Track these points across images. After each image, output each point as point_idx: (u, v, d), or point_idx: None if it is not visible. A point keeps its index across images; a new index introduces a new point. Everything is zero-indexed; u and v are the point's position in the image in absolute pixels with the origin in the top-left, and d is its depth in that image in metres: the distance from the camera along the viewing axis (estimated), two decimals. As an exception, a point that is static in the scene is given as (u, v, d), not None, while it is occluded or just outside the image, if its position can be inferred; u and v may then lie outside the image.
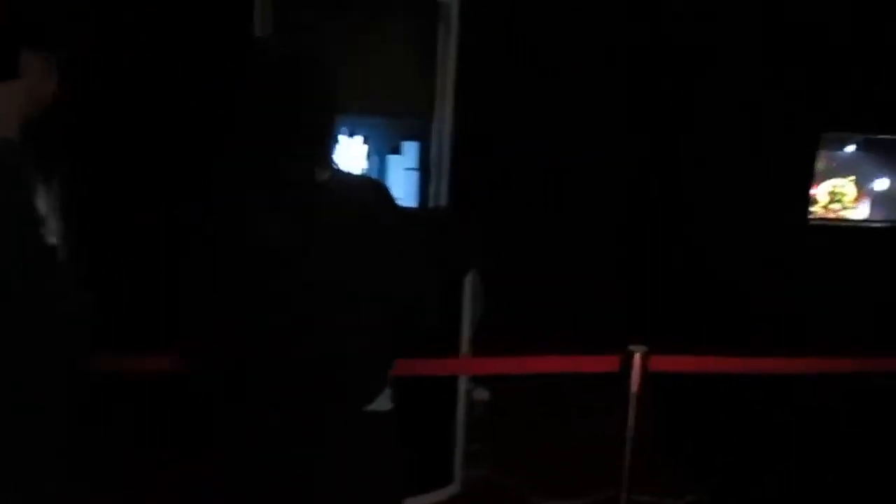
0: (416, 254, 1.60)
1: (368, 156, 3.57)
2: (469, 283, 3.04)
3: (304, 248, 1.47)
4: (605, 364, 2.35)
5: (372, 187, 1.62)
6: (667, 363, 2.37)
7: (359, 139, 3.54)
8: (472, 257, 2.10)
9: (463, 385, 3.13)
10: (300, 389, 1.52)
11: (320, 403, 1.54)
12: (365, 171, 3.53)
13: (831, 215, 3.82)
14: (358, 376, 1.57)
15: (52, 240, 1.57)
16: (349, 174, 1.63)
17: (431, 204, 3.49)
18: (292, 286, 1.48)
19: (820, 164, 3.69)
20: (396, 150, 3.60)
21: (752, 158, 3.61)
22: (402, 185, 3.53)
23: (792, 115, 3.59)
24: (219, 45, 2.52)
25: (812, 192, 3.65)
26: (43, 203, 1.56)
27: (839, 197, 3.80)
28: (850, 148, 3.86)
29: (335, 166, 1.57)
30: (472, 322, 3.10)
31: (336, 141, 1.63)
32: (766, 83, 3.65)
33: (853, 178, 3.83)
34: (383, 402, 1.64)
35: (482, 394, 3.60)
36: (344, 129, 3.52)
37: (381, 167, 3.60)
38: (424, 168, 3.52)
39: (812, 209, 3.72)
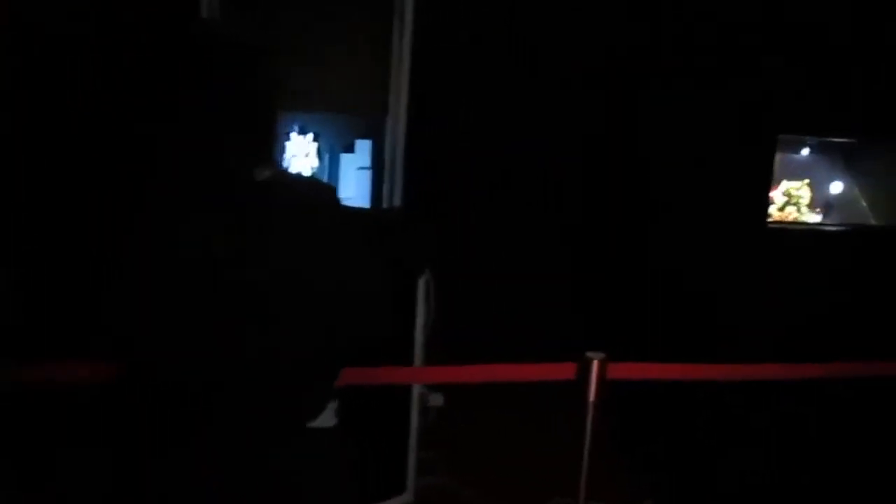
0: (361, 258, 1.50)
1: (320, 154, 3.47)
2: (422, 287, 2.96)
3: (240, 251, 1.36)
4: (561, 372, 2.28)
5: (315, 188, 1.53)
6: (625, 371, 2.30)
7: (310, 136, 3.43)
8: (424, 259, 2.00)
9: (416, 392, 3.05)
10: (235, 406, 1.40)
11: (258, 421, 1.42)
12: (315, 170, 3.42)
13: (788, 218, 3.81)
14: (298, 392, 1.46)
15: None
16: (292, 173, 1.54)
17: (385, 204, 3.40)
18: (226, 293, 1.36)
19: (776, 167, 3.67)
20: (350, 149, 3.50)
21: (709, 161, 3.58)
22: (355, 184, 3.43)
23: (749, 117, 3.56)
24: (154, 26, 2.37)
25: (770, 195, 3.64)
26: None
27: (795, 200, 3.80)
28: (805, 151, 3.86)
29: (277, 165, 1.48)
30: (425, 327, 3.02)
31: (279, 137, 1.53)
32: (721, 85, 3.62)
33: (808, 181, 3.84)
34: (327, 418, 1.53)
35: (436, 399, 3.51)
36: (294, 125, 3.41)
37: (334, 166, 3.50)
38: (378, 167, 3.42)
39: (770, 212, 3.70)
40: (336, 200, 1.50)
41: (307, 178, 1.62)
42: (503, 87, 4.30)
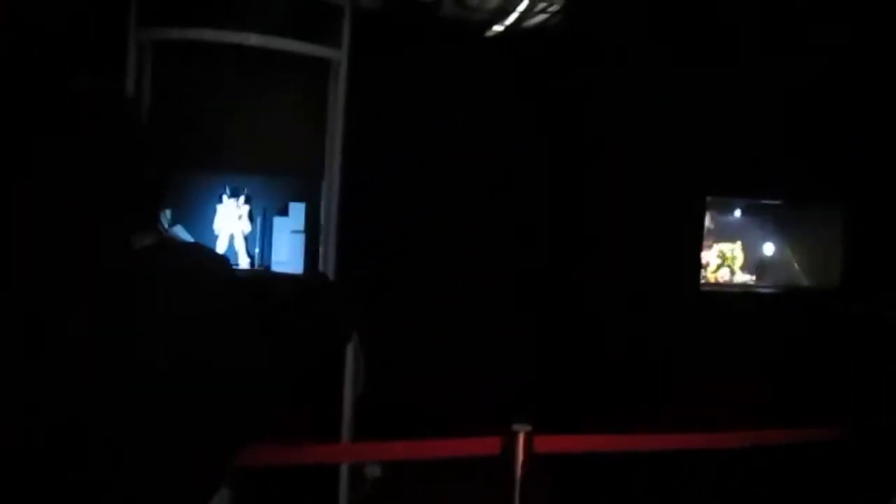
0: (244, 334, 1.38)
1: (252, 217, 3.41)
2: (350, 354, 2.88)
3: (102, 332, 1.24)
4: (486, 446, 2.22)
5: (198, 256, 1.40)
6: (553, 443, 2.25)
7: (241, 199, 3.38)
8: (348, 326, 1.89)
9: (344, 472, 2.91)
10: None
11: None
12: (248, 233, 3.36)
13: (722, 280, 3.85)
14: (171, 488, 1.34)
15: None
16: (178, 241, 1.44)
17: (321, 267, 3.34)
18: (85, 379, 1.23)
19: (708, 228, 3.73)
20: (283, 212, 3.45)
21: (641, 222, 3.61)
22: (289, 247, 3.38)
23: (679, 177, 3.62)
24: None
25: (702, 256, 3.68)
26: None
27: (728, 262, 3.85)
28: (737, 213, 3.93)
29: (161, 232, 1.35)
30: (354, 396, 2.93)
31: (162, 200, 1.42)
32: (653, 144, 3.67)
33: (740, 242, 3.89)
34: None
35: (374, 470, 3.41)
36: (226, 188, 3.35)
37: (267, 229, 3.44)
38: (312, 230, 3.37)
39: (703, 274, 3.74)
40: (222, 269, 1.39)
41: (194, 245, 1.48)
42: (438, 148, 4.31)
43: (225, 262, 1.43)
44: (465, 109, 4.33)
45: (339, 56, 3.19)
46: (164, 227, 1.39)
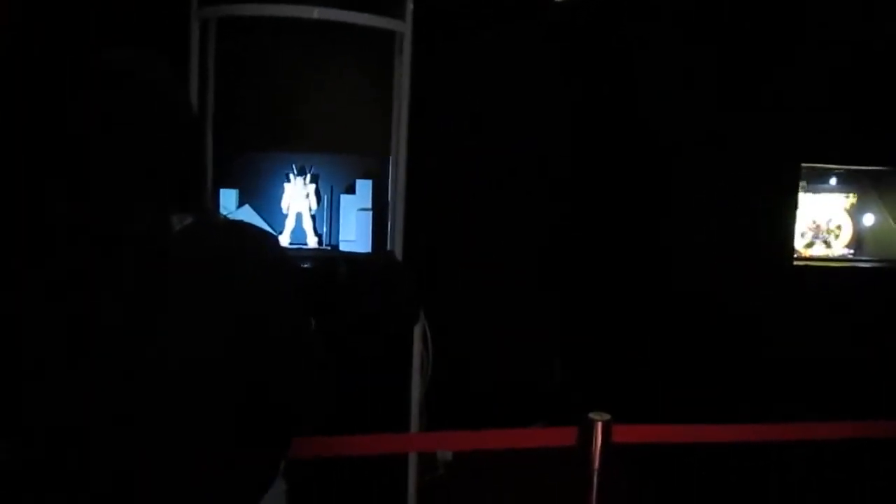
0: (286, 316, 1.30)
1: (319, 195, 3.36)
2: (417, 336, 2.79)
3: (142, 321, 1.17)
4: (561, 437, 2.10)
5: (240, 234, 1.31)
6: (632, 433, 2.11)
7: (308, 178, 3.33)
8: (412, 306, 1.80)
9: (413, 458, 2.82)
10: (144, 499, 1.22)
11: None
12: (315, 211, 3.31)
13: (816, 254, 3.59)
14: (216, 482, 1.27)
15: None
16: (221, 219, 1.36)
17: (389, 245, 3.27)
18: (121, 373, 1.17)
19: (802, 199, 3.46)
20: (350, 190, 3.38)
21: (728, 195, 3.38)
22: (356, 225, 3.31)
23: (768, 145, 3.36)
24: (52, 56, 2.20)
25: (796, 229, 3.42)
26: None
27: (825, 233, 3.59)
28: (833, 181, 3.66)
29: (200, 212, 1.27)
30: (423, 382, 2.85)
31: (204, 177, 1.34)
32: (738, 113, 3.43)
33: (837, 213, 3.62)
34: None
35: (445, 454, 3.33)
36: (292, 166, 3.31)
37: (334, 207, 3.38)
38: (378, 208, 3.30)
39: (797, 248, 3.48)
40: (265, 250, 1.30)
41: (237, 224, 1.39)
42: (507, 125, 4.16)
43: (270, 241, 1.35)
44: (530, 81, 4.17)
45: (402, 28, 3.08)
46: (208, 206, 1.32)
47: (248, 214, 3.27)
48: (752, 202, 3.34)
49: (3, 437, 1.19)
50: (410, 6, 3.11)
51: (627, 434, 2.10)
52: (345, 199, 3.37)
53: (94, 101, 1.19)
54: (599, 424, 2.11)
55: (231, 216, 3.24)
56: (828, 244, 3.66)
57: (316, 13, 2.99)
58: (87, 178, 1.19)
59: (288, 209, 3.33)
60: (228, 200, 3.26)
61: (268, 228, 3.28)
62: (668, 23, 3.76)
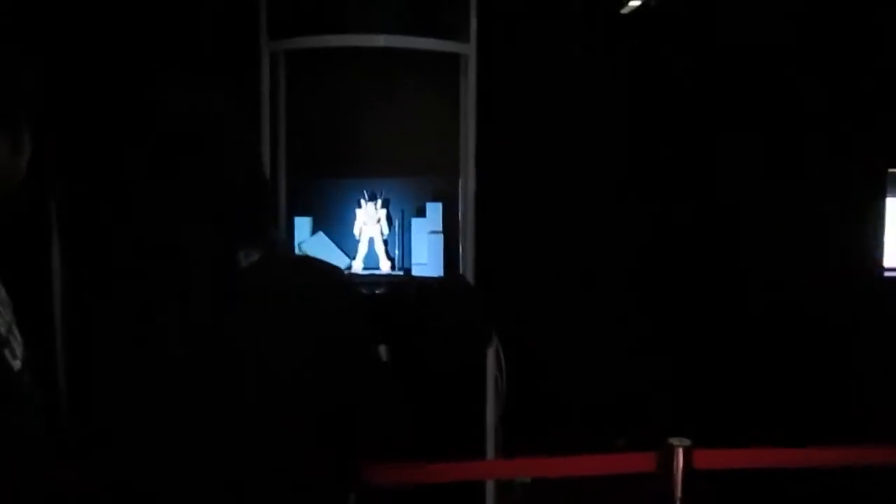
0: (357, 353, 1.31)
1: (390, 219, 3.39)
2: (491, 359, 2.78)
3: (213, 358, 1.19)
4: (641, 462, 2.04)
5: (309, 271, 1.32)
6: (714, 459, 2.04)
7: (379, 202, 3.36)
8: (483, 333, 1.78)
9: (490, 488, 2.79)
10: None
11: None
12: (386, 236, 3.34)
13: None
14: None
15: (17, 364, 1.32)
16: (288, 254, 1.37)
17: (460, 268, 3.27)
18: (192, 403, 1.20)
19: (890, 206, 3.30)
20: (421, 213, 3.41)
21: (811, 205, 3.25)
22: (427, 249, 3.33)
23: (850, 149, 3.23)
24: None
25: (884, 239, 3.26)
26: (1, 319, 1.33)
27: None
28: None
29: (269, 247, 1.29)
30: (497, 405, 2.83)
31: (268, 211, 1.36)
32: (819, 115, 3.30)
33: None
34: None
35: (523, 477, 3.29)
36: (364, 192, 3.35)
37: (405, 231, 3.41)
38: (449, 230, 3.30)
39: (885, 260, 3.31)
40: (332, 287, 1.31)
41: (304, 258, 1.40)
42: (577, 142, 4.11)
43: (337, 274, 1.36)
44: (598, 94, 4.12)
45: (467, 50, 3.10)
46: (274, 241, 1.34)
47: (321, 241, 3.33)
48: (837, 212, 3.21)
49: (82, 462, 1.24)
50: (474, 28, 3.12)
51: (710, 459, 2.04)
52: (416, 222, 3.39)
53: (155, 141, 1.21)
54: (680, 451, 2.05)
55: (305, 243, 3.30)
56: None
57: (382, 41, 3.04)
58: (153, 218, 1.22)
59: (360, 234, 3.37)
60: (302, 228, 3.32)
61: (342, 255, 3.33)
62: (739, 28, 3.67)
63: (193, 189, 1.21)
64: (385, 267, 3.35)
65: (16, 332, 1.34)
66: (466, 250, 3.22)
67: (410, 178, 3.43)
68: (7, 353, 1.28)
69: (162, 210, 1.21)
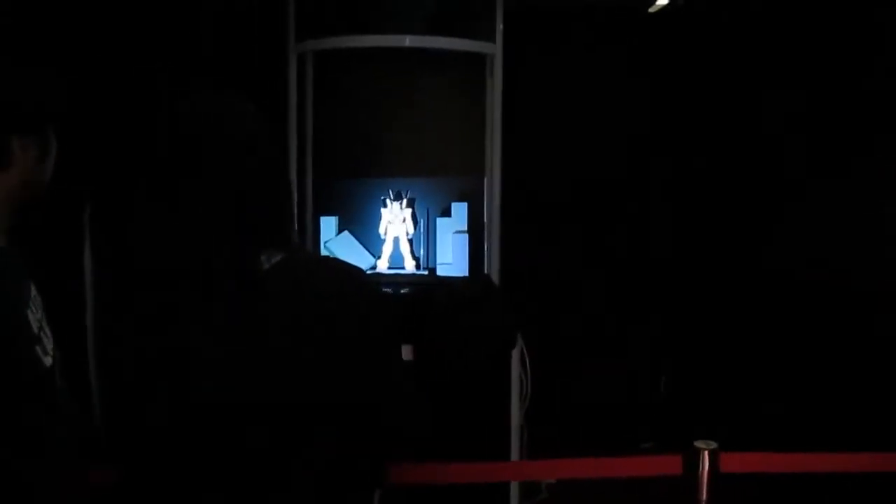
0: (380, 359, 1.30)
1: (416, 219, 3.40)
2: (516, 360, 2.78)
3: (236, 357, 1.20)
4: (666, 465, 2.03)
5: (330, 272, 1.31)
6: (740, 462, 2.03)
7: (404, 202, 3.37)
8: (507, 334, 1.78)
9: (515, 489, 2.79)
10: None
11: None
12: (412, 236, 3.35)
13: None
14: None
15: (48, 360, 1.34)
16: (310, 256, 1.38)
17: (486, 268, 3.27)
18: (221, 410, 1.20)
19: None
20: (446, 213, 3.41)
21: (843, 200, 3.19)
22: (453, 248, 3.33)
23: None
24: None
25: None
26: (33, 316, 1.36)
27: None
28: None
29: (290, 248, 1.29)
30: (522, 406, 2.83)
31: (291, 211, 1.37)
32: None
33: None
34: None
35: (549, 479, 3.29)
36: (389, 191, 3.36)
37: (431, 230, 3.41)
38: (474, 230, 3.30)
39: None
40: (354, 288, 1.30)
41: (326, 259, 1.41)
42: (602, 141, 4.09)
43: (359, 274, 1.36)
44: (623, 93, 4.09)
45: (493, 50, 3.10)
46: (296, 242, 1.35)
47: (347, 241, 3.34)
48: (868, 208, 3.15)
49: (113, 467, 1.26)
50: (500, 27, 3.12)
51: (736, 463, 2.02)
52: (441, 221, 3.39)
53: (178, 143, 1.23)
54: (706, 453, 2.03)
55: (331, 243, 3.32)
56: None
57: (408, 41, 3.05)
58: (174, 218, 1.23)
59: (385, 234, 3.38)
60: (328, 228, 3.34)
61: (367, 254, 3.35)
62: (765, 24, 3.63)
63: (216, 192, 1.22)
64: (410, 266, 3.36)
65: (47, 329, 1.37)
66: (492, 250, 3.22)
67: (436, 178, 3.43)
68: (38, 349, 1.31)
69: (185, 213, 1.23)
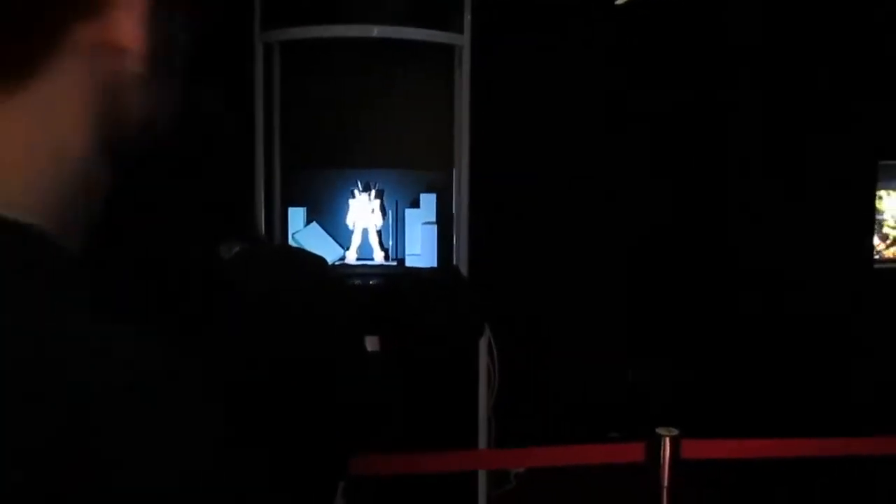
0: (342, 346, 1.30)
1: (384, 210, 3.39)
2: (483, 358, 2.79)
3: (199, 349, 1.19)
4: (630, 452, 2.06)
5: (289, 260, 1.32)
6: (701, 449, 2.06)
7: (372, 193, 3.37)
8: (474, 324, 1.79)
9: (483, 477, 2.81)
10: None
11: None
12: (380, 227, 3.35)
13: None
14: None
15: None
16: (270, 245, 1.37)
17: (455, 258, 3.28)
18: (186, 403, 1.20)
19: (880, 197, 3.32)
20: (415, 204, 3.41)
21: (802, 194, 3.26)
22: (421, 239, 3.34)
23: (841, 142, 3.23)
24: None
25: (875, 230, 3.27)
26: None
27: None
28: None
29: (248, 240, 1.28)
30: (490, 397, 2.84)
31: (248, 206, 1.36)
32: (815, 106, 3.31)
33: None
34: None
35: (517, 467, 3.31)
36: (357, 182, 3.35)
37: (399, 222, 3.42)
38: (443, 221, 3.31)
39: (876, 250, 3.33)
40: (314, 271, 1.31)
41: (286, 248, 1.41)
42: (571, 133, 4.12)
43: (320, 264, 1.36)
44: (593, 85, 4.12)
45: (461, 41, 3.10)
46: (257, 233, 1.34)
47: (315, 232, 3.33)
48: (826, 203, 3.22)
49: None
50: (468, 18, 3.12)
51: (697, 449, 2.06)
52: (410, 213, 3.39)
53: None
54: (668, 440, 2.07)
55: (299, 234, 3.31)
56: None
57: (376, 32, 3.04)
58: (132, 212, 1.22)
59: (354, 225, 3.37)
60: (296, 219, 3.32)
61: (335, 245, 3.34)
62: (734, 20, 3.67)
63: (175, 184, 1.21)
64: (379, 257, 3.36)
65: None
66: (460, 241, 3.23)
67: (405, 170, 3.43)
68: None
69: (141, 204, 1.22)
